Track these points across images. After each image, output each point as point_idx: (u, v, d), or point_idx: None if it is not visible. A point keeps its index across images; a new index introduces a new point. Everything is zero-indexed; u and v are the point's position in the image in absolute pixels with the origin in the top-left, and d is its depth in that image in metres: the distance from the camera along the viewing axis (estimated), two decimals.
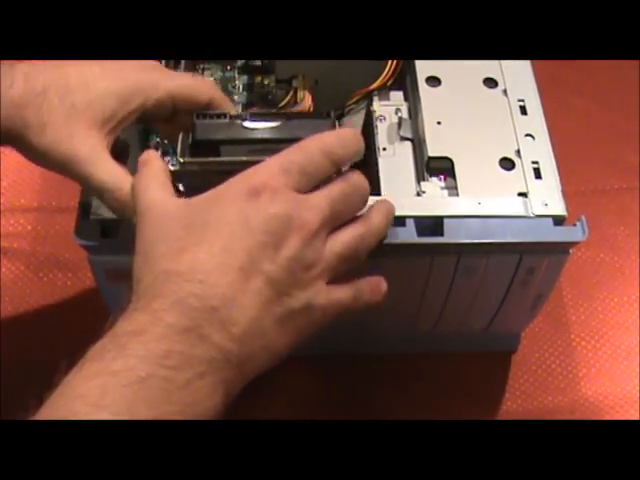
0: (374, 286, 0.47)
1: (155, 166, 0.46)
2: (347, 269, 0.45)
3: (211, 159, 0.48)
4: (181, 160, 0.49)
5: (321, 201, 0.43)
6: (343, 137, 0.45)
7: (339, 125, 0.51)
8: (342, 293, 0.45)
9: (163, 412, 0.38)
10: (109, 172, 0.47)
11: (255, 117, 0.50)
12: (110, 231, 0.50)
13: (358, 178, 0.45)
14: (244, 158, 0.47)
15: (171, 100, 0.50)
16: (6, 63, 0.47)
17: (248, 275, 0.41)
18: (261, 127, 0.49)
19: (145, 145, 0.60)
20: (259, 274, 0.41)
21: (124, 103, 0.48)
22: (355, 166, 0.57)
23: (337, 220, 0.44)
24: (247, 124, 0.50)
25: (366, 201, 0.46)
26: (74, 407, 0.38)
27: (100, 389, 0.37)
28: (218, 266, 0.40)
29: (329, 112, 0.51)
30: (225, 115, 0.50)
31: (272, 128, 0.49)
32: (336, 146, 0.44)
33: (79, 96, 0.47)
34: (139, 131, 0.61)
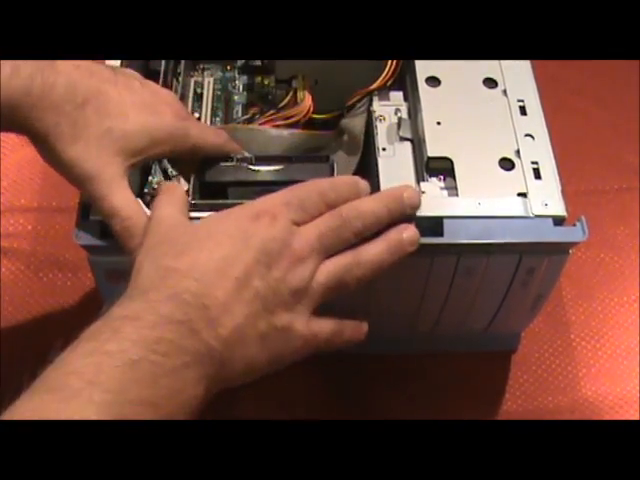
0: (356, 327, 0.51)
1: (176, 192, 0.49)
2: (334, 297, 0.47)
3: (220, 201, 0.52)
4: (192, 202, 0.52)
5: (311, 234, 0.46)
6: (336, 183, 0.49)
7: (341, 128, 0.52)
8: (323, 325, 0.48)
9: (151, 394, 0.40)
10: (124, 199, 0.49)
11: (260, 160, 0.54)
12: (110, 232, 0.50)
13: (349, 213, 0.47)
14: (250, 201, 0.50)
15: (194, 154, 0.53)
16: (46, 62, 0.49)
17: (241, 285, 0.43)
18: (265, 170, 0.53)
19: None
20: (251, 287, 0.44)
21: (155, 145, 0.50)
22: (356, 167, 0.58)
23: (328, 251, 0.46)
24: (253, 167, 0.54)
25: (360, 233, 0.47)
26: (69, 381, 0.39)
27: (95, 367, 0.39)
28: (216, 270, 0.43)
29: (327, 156, 0.55)
30: (232, 158, 0.54)
31: (275, 171, 0.53)
32: (329, 190, 0.47)
33: (117, 123, 0.48)
34: None
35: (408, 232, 0.48)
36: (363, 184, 0.49)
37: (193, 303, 0.42)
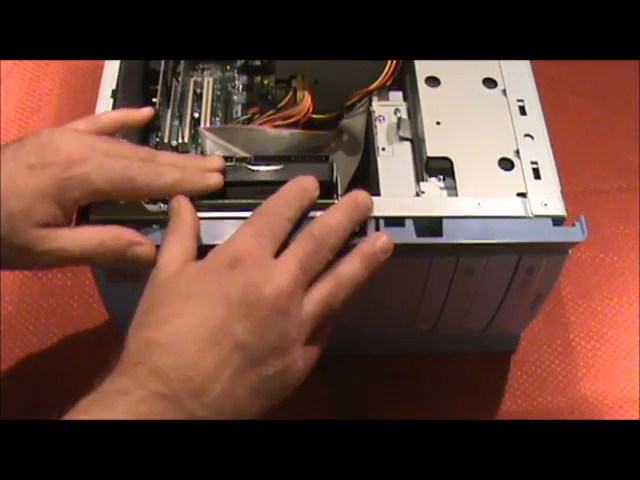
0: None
1: (183, 229, 0.47)
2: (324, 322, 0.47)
3: (219, 201, 0.51)
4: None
5: (291, 264, 0.45)
6: (286, 196, 0.48)
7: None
8: (318, 348, 0.47)
9: None
10: (77, 241, 0.48)
11: (259, 160, 0.53)
12: None
13: (320, 231, 0.46)
14: (250, 201, 0.50)
15: (109, 190, 0.48)
16: None
17: (224, 348, 0.43)
18: (265, 170, 0.53)
19: (144, 144, 0.60)
20: (235, 347, 0.43)
21: (60, 201, 0.47)
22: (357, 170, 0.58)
23: (310, 277, 0.46)
24: (252, 167, 0.53)
25: (336, 248, 0.47)
26: None
27: None
28: (196, 340, 0.43)
29: (327, 156, 0.54)
30: (231, 158, 0.53)
31: (275, 171, 0.53)
32: (286, 208, 0.47)
33: (13, 204, 0.46)
34: (138, 131, 0.61)
35: (380, 242, 0.48)
36: (306, 181, 0.49)
37: (174, 377, 0.42)
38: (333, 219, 0.47)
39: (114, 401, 0.41)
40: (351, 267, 0.47)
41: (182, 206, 0.48)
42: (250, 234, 0.46)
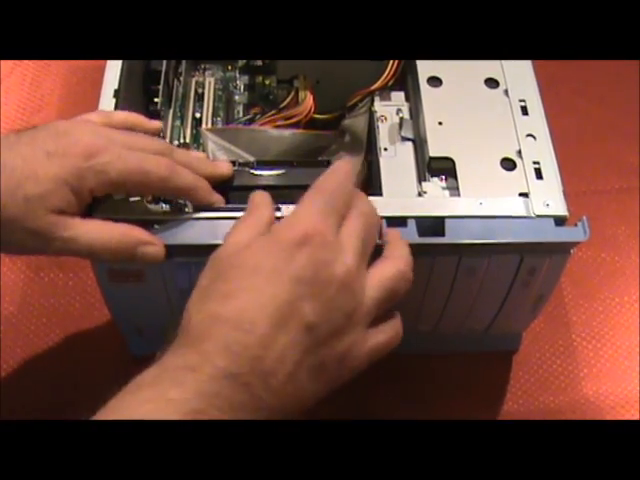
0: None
1: (262, 217, 0.47)
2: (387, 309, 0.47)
3: (222, 205, 0.51)
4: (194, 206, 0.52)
5: (354, 241, 0.45)
6: (338, 178, 0.47)
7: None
8: (381, 336, 0.46)
9: None
10: (88, 233, 0.48)
11: (261, 165, 0.53)
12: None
13: (363, 209, 0.47)
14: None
15: (124, 181, 0.48)
16: None
17: (292, 328, 0.42)
18: (267, 174, 0.53)
19: None
20: (304, 328, 0.42)
21: (76, 190, 0.47)
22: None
23: (368, 254, 0.46)
24: (254, 171, 0.53)
25: (379, 226, 0.48)
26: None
27: (159, 412, 0.40)
28: (265, 317, 0.42)
29: (329, 161, 0.54)
30: (234, 163, 0.53)
31: (277, 175, 0.53)
32: (343, 186, 0.47)
33: (29, 188, 0.46)
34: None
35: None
36: (348, 163, 0.49)
37: (245, 355, 0.41)
38: (369, 204, 0.47)
39: (183, 377, 0.40)
40: (407, 249, 0.47)
41: (264, 200, 0.48)
42: (316, 211, 0.45)
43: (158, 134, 0.56)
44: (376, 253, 0.47)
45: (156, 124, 0.54)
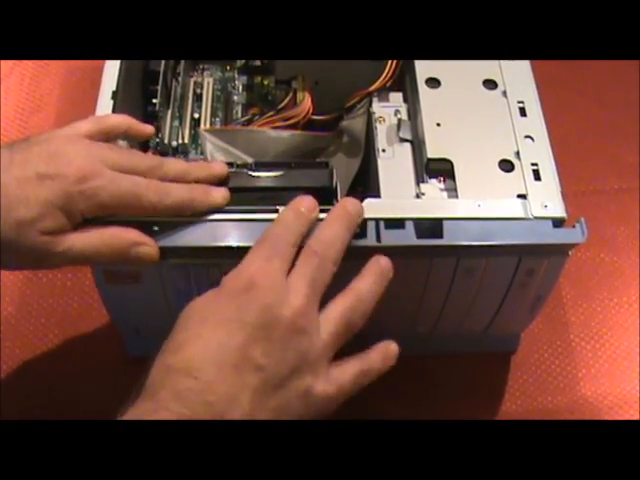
0: (384, 352, 0.50)
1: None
2: (347, 341, 0.47)
3: (225, 196, 0.51)
4: None
5: (301, 283, 0.45)
6: (286, 220, 0.48)
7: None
8: (347, 372, 0.47)
9: None
10: (80, 242, 0.48)
11: (260, 166, 0.53)
12: None
13: (318, 246, 0.47)
14: (251, 207, 0.51)
15: (116, 205, 0.48)
16: None
17: (242, 371, 0.43)
18: (265, 176, 0.53)
19: (146, 146, 0.60)
20: (254, 370, 0.43)
21: (67, 212, 0.47)
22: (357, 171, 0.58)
23: (319, 292, 0.46)
24: (252, 173, 0.53)
25: (337, 260, 0.47)
26: None
27: None
28: (213, 363, 0.43)
29: (327, 162, 0.54)
30: (232, 164, 0.53)
31: (275, 177, 0.53)
32: (289, 231, 0.47)
33: (21, 212, 0.46)
34: None
35: (384, 259, 0.48)
36: (304, 205, 0.49)
37: (197, 400, 0.42)
38: (330, 232, 0.47)
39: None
40: (365, 282, 0.47)
41: None
42: (260, 258, 0.46)
43: (151, 138, 0.56)
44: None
45: (149, 128, 0.54)
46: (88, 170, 0.47)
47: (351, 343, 0.48)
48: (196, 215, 0.50)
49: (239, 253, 0.47)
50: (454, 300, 0.55)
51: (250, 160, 0.58)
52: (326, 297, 0.47)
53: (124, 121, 0.53)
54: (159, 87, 0.61)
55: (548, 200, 0.52)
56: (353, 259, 0.51)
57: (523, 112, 0.56)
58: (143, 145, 0.60)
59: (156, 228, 0.49)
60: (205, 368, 0.42)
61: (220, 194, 0.51)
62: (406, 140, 0.57)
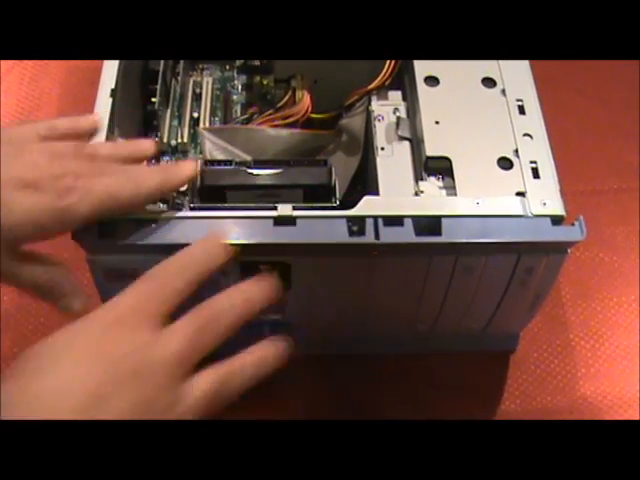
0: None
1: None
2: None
3: (219, 204, 0.52)
4: (191, 205, 0.52)
5: (181, 337, 0.42)
6: (183, 264, 0.45)
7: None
8: (201, 387, 0.42)
9: None
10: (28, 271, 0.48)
11: (258, 164, 0.53)
12: (108, 231, 0.49)
13: (212, 309, 0.44)
14: (250, 204, 0.50)
15: (98, 213, 0.47)
16: None
17: (102, 407, 0.39)
18: (264, 174, 0.53)
19: None
20: (113, 415, 0.40)
21: (44, 230, 0.46)
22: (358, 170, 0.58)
23: (199, 353, 0.43)
24: (251, 171, 0.53)
25: (229, 329, 0.44)
26: None
27: None
28: (66, 403, 0.39)
29: (325, 160, 0.54)
30: (231, 162, 0.54)
31: (274, 174, 0.53)
32: (182, 274, 0.45)
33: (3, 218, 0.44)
34: (137, 132, 0.61)
35: (278, 347, 0.46)
36: (213, 246, 0.47)
37: None
38: (227, 302, 0.45)
39: None
40: (257, 356, 0.45)
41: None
42: (137, 294, 0.43)
43: (151, 119, 0.56)
44: None
45: (92, 119, 0.53)
46: (62, 186, 0.46)
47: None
48: (192, 199, 0.50)
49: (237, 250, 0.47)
50: (453, 298, 0.55)
51: (249, 158, 0.58)
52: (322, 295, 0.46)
53: (70, 123, 0.52)
54: (158, 86, 0.61)
55: (547, 198, 0.52)
56: (351, 256, 0.51)
57: (522, 110, 0.56)
58: None
59: (154, 225, 0.49)
60: (57, 409, 0.39)
61: (188, 166, 0.50)
62: (405, 138, 0.57)
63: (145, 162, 0.54)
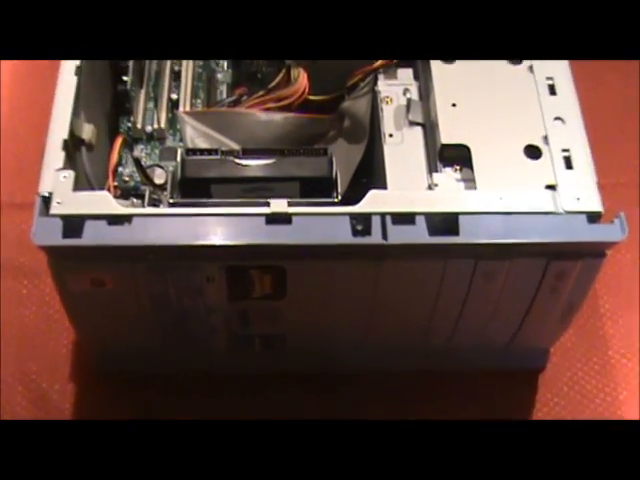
0: None
1: None
2: None
3: (203, 200, 0.52)
4: (170, 201, 0.53)
5: None
6: None
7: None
8: None
9: None
10: None
11: (248, 153, 0.54)
12: (74, 230, 0.50)
13: None
14: (238, 200, 0.51)
15: None
16: None
17: None
18: (254, 164, 0.53)
19: (115, 131, 0.61)
20: None
21: None
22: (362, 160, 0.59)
23: None
24: (239, 161, 0.53)
25: None
26: None
27: None
28: None
29: (325, 149, 0.54)
30: (216, 151, 0.54)
31: (266, 165, 0.53)
32: None
33: None
34: (107, 115, 0.61)
35: None
36: None
37: None
38: None
39: None
40: None
41: None
42: None
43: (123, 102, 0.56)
44: None
45: None
46: None
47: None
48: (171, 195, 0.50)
49: (223, 253, 0.47)
50: (472, 308, 0.56)
51: (237, 147, 0.59)
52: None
53: None
54: (130, 63, 0.61)
55: (581, 191, 0.52)
56: (356, 259, 0.51)
57: (552, 90, 0.57)
58: (113, 132, 0.61)
59: (127, 224, 0.50)
60: None
61: None
62: (417, 123, 0.58)
63: (85, 151, 0.55)
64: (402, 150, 0.56)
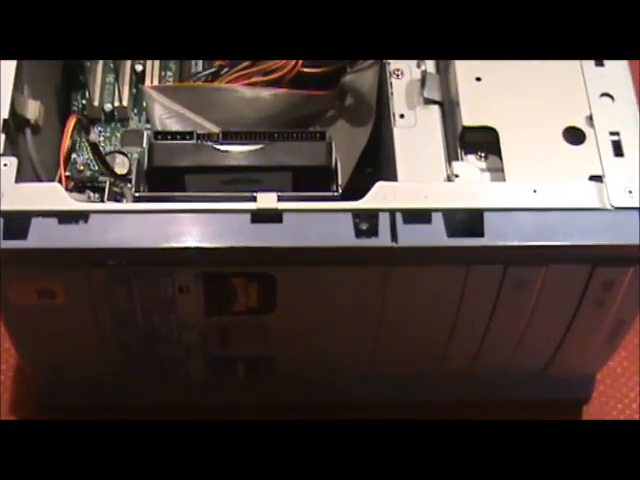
0: None
1: None
2: None
3: (175, 193, 0.52)
4: (136, 195, 0.53)
5: None
6: None
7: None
8: None
9: None
10: None
11: (229, 138, 0.54)
12: (17, 229, 0.50)
13: None
14: (216, 194, 0.51)
15: None
16: None
17: None
18: (236, 151, 0.54)
19: (66, 110, 0.61)
20: None
21: None
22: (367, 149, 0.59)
23: None
24: (219, 146, 0.54)
25: None
26: None
27: None
28: None
29: (323, 132, 0.55)
30: (191, 134, 0.54)
31: (251, 152, 0.54)
32: None
33: None
34: (59, 90, 0.62)
35: None
36: None
37: None
38: None
39: None
40: None
41: None
42: None
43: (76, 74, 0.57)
44: None
45: None
46: None
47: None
48: (138, 188, 0.51)
49: (200, 257, 0.47)
50: (499, 325, 0.56)
51: (216, 129, 0.59)
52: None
53: None
54: None
55: (633, 183, 0.52)
56: (359, 265, 0.51)
57: (599, 60, 0.57)
58: (64, 111, 0.61)
59: (85, 223, 0.50)
60: None
61: None
62: (433, 101, 0.58)
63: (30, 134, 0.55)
64: (415, 134, 0.57)
